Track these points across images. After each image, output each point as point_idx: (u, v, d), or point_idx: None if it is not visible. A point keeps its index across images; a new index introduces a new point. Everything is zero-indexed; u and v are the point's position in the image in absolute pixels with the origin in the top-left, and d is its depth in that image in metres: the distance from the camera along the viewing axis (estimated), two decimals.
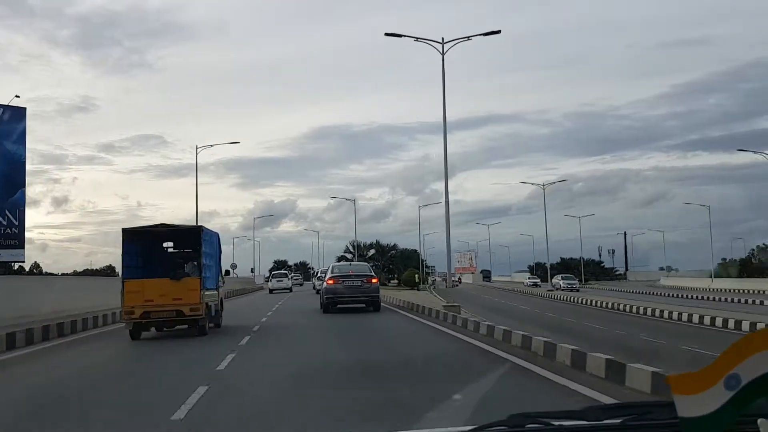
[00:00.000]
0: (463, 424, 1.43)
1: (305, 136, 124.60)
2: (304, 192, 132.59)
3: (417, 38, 23.63)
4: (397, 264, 62.34)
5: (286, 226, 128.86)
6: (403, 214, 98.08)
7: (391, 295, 26.67)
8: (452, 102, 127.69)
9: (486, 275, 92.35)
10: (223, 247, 16.23)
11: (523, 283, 59.60)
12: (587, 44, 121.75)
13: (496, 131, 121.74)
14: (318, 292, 38.83)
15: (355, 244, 59.38)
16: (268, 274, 57.68)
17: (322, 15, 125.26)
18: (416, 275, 49.63)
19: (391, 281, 61.66)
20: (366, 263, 27.70)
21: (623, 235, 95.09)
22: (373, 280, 19.37)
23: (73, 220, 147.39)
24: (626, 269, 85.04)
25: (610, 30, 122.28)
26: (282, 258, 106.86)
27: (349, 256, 58.89)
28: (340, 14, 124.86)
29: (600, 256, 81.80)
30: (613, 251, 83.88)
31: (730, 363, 0.94)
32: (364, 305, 18.98)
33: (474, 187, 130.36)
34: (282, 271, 55.04)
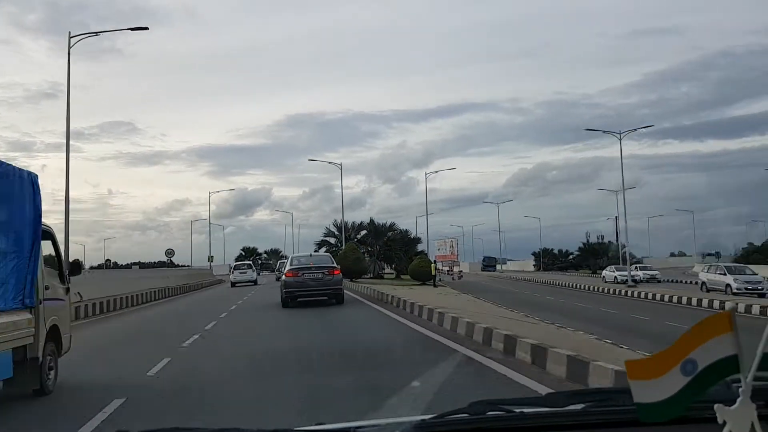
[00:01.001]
0: (423, 413, 1.43)
1: (279, 124, 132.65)
2: (277, 180, 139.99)
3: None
4: (396, 250, 51.86)
5: (261, 215, 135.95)
6: (379, 202, 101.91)
7: (409, 298, 18.93)
8: (429, 89, 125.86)
9: (489, 263, 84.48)
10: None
11: (604, 277, 45.27)
12: (560, 33, 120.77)
13: (471, 119, 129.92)
14: (277, 279, 37.78)
15: (342, 223, 50.31)
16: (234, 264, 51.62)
17: (295, 1, 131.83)
18: (432, 265, 40.38)
19: (386, 271, 54.32)
20: (327, 254, 27.57)
21: (614, 220, 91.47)
22: (335, 272, 19.79)
23: (42, 208, 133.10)
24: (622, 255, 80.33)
25: (582, 19, 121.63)
26: (253, 245, 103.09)
27: (332, 240, 52.41)
28: (311, 1, 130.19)
29: (588, 242, 79.25)
30: (602, 237, 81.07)
31: (686, 348, 0.93)
32: (326, 298, 19.54)
33: (450, 175, 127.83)
34: (245, 262, 51.12)
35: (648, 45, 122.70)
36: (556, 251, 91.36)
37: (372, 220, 54.53)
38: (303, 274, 19.14)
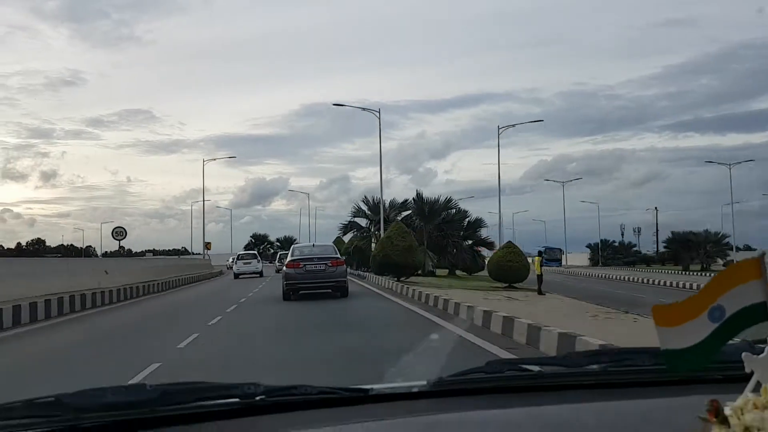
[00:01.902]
0: (440, 369, 1.47)
1: (295, 114, 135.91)
2: (294, 170, 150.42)
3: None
4: (453, 237, 39.48)
5: (277, 204, 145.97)
6: (396, 192, 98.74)
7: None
8: (447, 80, 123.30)
9: (552, 256, 69.12)
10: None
11: None
12: (580, 23, 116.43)
13: (488, 110, 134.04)
14: (278, 271, 38.57)
15: (380, 198, 40.62)
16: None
17: None
18: (536, 260, 26.17)
19: (437, 266, 41.18)
20: (330, 244, 25.80)
21: (654, 212, 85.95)
22: (339, 263, 19.94)
23: (61, 195, 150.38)
24: (657, 249, 74.30)
25: (603, 9, 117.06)
26: (265, 233, 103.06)
27: (362, 222, 44.88)
28: None
29: (623, 236, 74.93)
30: (639, 229, 75.91)
31: (713, 294, 0.97)
32: (330, 291, 19.71)
33: (466, 167, 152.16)
34: (250, 252, 49.54)
35: (668, 36, 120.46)
36: (616, 243, 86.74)
37: (419, 194, 42.39)
38: (305, 265, 19.12)
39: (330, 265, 19.15)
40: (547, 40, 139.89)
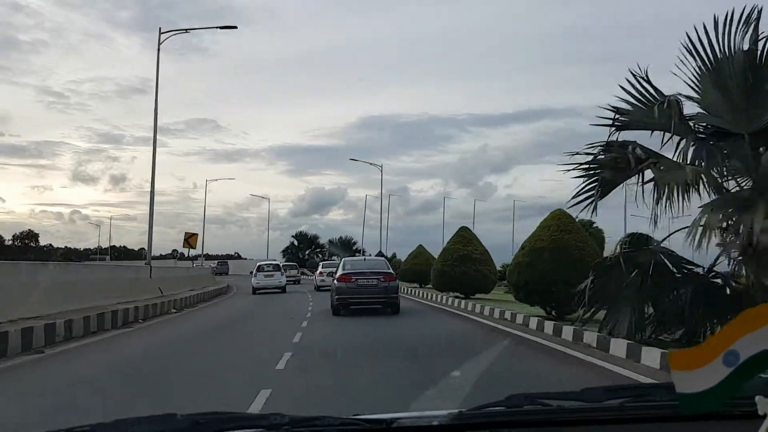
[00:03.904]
0: (460, 404, 1.46)
1: (353, 126, 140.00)
2: (352, 181, 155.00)
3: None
4: None
5: (335, 214, 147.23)
6: (453, 206, 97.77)
7: None
8: (506, 94, 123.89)
9: None
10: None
11: None
12: (648, 39, 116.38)
13: (550, 126, 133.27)
14: (318, 289, 35.82)
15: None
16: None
17: (373, 4, 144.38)
18: None
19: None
20: (382, 258, 25.49)
21: None
22: (391, 278, 19.57)
23: (128, 199, 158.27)
24: None
25: (672, 26, 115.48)
26: (313, 234, 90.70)
27: None
28: (391, 4, 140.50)
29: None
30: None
31: (729, 339, 0.97)
32: (380, 306, 19.31)
33: (528, 183, 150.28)
34: (272, 262, 41.56)
35: None
36: None
37: None
38: (356, 279, 18.84)
39: (382, 280, 18.86)
40: (616, 57, 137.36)
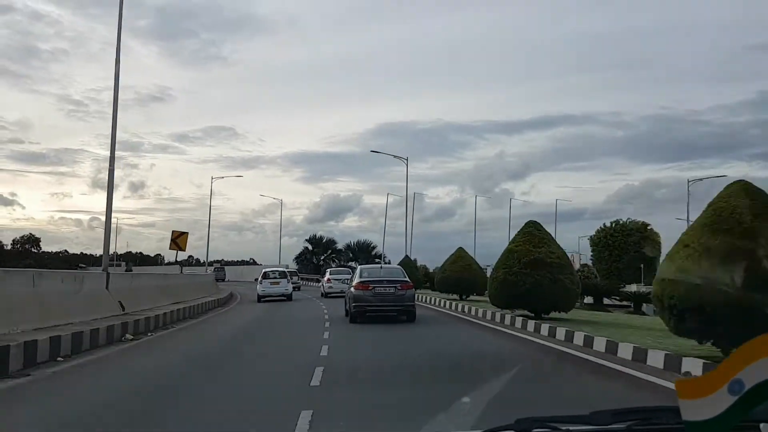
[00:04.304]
0: (471, 427, 1.48)
1: (370, 133, 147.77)
2: (367, 188, 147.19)
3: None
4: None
5: (350, 221, 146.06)
6: (470, 213, 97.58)
7: None
8: (522, 100, 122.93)
9: None
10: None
11: None
12: (668, 46, 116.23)
13: (566, 132, 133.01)
14: (326, 296, 35.87)
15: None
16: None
17: (390, 12, 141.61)
18: None
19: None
20: (398, 266, 25.63)
21: None
22: (408, 287, 19.59)
23: (147, 206, 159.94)
24: None
25: (693, 32, 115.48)
26: (330, 237, 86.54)
27: None
28: (408, 12, 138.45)
29: None
30: None
31: (734, 368, 1.01)
32: (395, 314, 19.39)
33: (544, 189, 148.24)
34: (278, 268, 40.21)
35: (763, 61, 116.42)
36: None
37: None
38: (374, 287, 18.97)
39: (399, 288, 18.99)
40: (632, 63, 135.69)
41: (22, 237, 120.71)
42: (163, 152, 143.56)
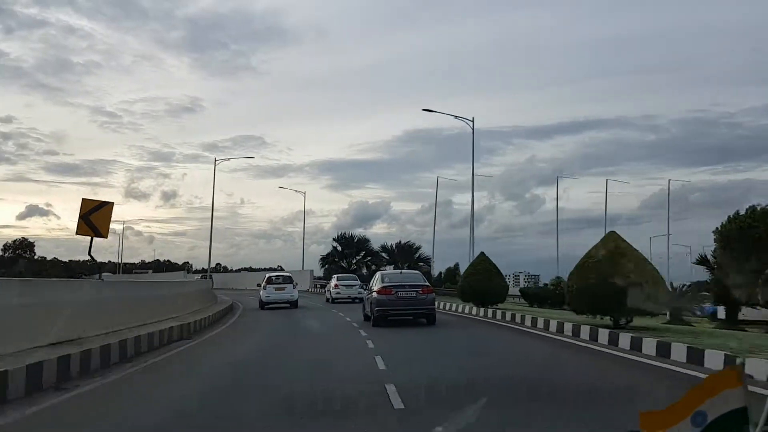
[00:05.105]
0: None
1: (397, 140, 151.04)
2: (394, 194, 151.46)
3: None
4: None
5: (378, 228, 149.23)
6: (498, 219, 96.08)
7: None
8: (551, 105, 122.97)
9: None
10: None
11: None
12: (700, 48, 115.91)
13: (596, 137, 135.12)
14: (333, 301, 36.92)
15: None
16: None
17: (415, 20, 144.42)
18: None
19: None
20: (417, 272, 25.08)
21: None
22: (429, 291, 20.18)
23: (178, 215, 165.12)
24: None
25: (725, 34, 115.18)
26: (364, 236, 73.91)
27: None
28: (433, 19, 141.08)
29: None
30: None
31: (697, 400, 1.02)
32: (412, 318, 20.13)
33: (575, 195, 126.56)
34: (283, 273, 37.30)
35: None
36: None
37: None
38: (396, 292, 19.56)
39: (420, 292, 19.65)
40: (664, 65, 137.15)
41: (15, 242, 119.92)
42: (193, 162, 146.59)
